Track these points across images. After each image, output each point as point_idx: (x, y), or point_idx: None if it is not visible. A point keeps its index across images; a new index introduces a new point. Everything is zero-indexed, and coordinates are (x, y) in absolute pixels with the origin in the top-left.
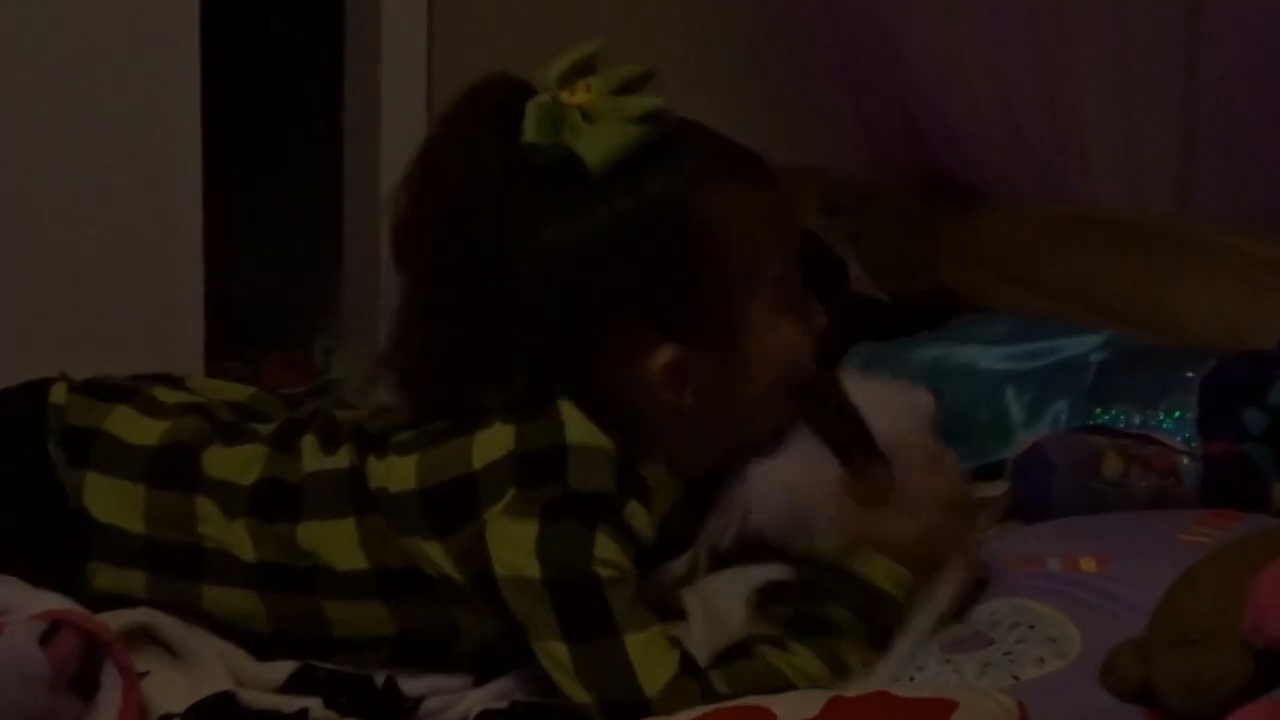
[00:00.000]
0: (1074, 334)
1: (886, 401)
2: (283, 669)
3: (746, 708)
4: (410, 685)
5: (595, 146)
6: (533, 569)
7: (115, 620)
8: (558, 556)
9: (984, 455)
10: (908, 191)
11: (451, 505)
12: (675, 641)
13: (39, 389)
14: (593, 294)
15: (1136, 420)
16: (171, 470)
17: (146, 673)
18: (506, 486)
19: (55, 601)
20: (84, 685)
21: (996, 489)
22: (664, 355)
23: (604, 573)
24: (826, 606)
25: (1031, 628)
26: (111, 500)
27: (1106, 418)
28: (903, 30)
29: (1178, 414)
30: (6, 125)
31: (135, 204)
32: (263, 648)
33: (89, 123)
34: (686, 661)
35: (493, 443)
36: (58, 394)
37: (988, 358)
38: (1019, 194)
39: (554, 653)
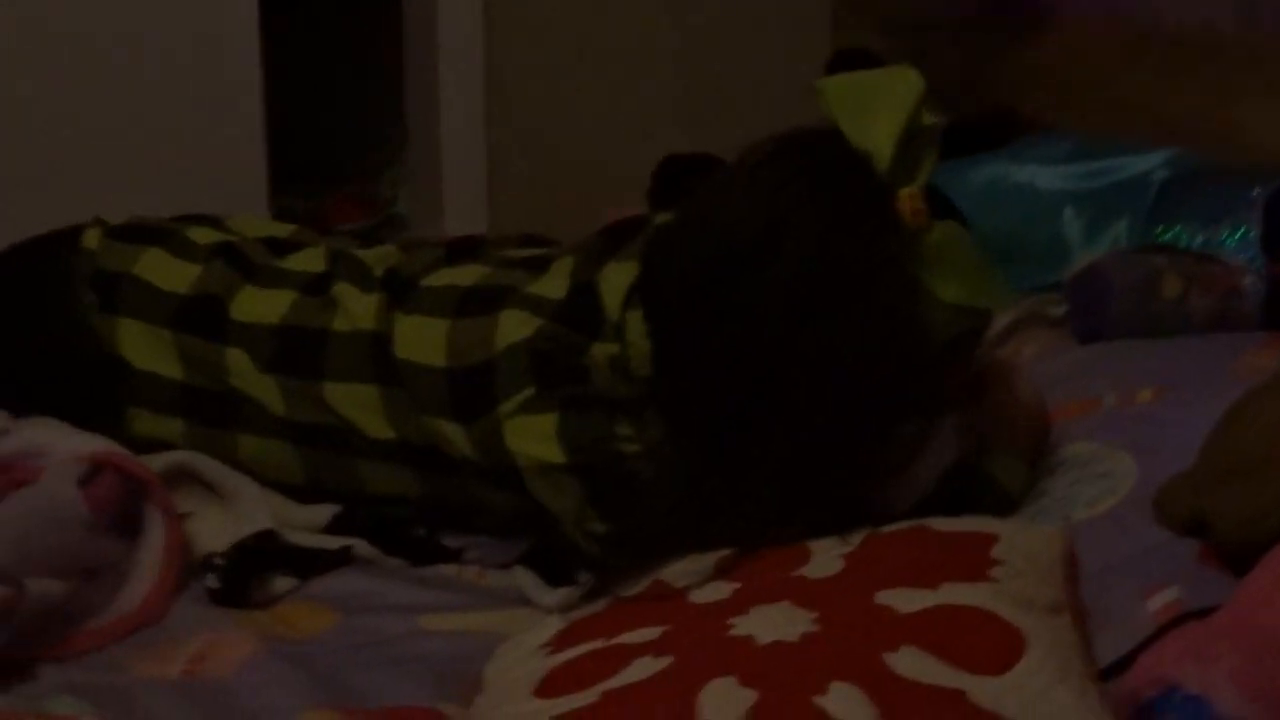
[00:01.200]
0: (1136, 153)
1: None
2: (325, 512)
3: (785, 549)
4: (450, 540)
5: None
6: (555, 454)
7: (156, 461)
8: (579, 440)
9: (1041, 276)
10: (968, 11)
11: (474, 390)
12: None
13: (73, 234)
14: None
15: (1199, 239)
16: (200, 319)
17: (189, 513)
18: (523, 379)
19: (96, 443)
20: (126, 526)
21: (1055, 308)
22: None
23: (628, 448)
24: None
25: (1084, 466)
26: (146, 346)
27: (1168, 237)
28: None
29: (1241, 232)
30: None
31: (192, 38)
32: (299, 497)
33: None
34: None
35: (517, 323)
36: (90, 238)
37: (1046, 177)
38: (1081, 12)
39: (595, 534)
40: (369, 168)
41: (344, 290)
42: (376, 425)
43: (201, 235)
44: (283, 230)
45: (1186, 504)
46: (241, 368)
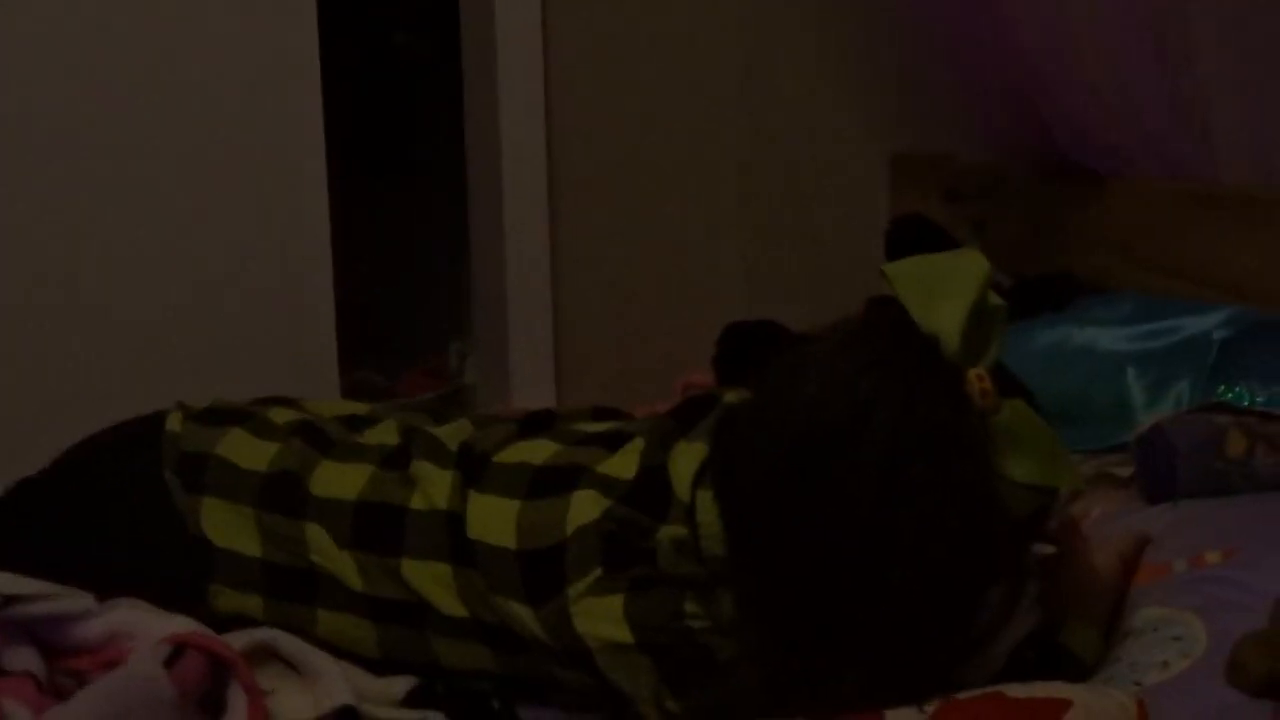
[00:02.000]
0: (1196, 312)
1: None
2: (402, 684)
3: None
4: (523, 713)
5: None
6: (624, 634)
7: (238, 640)
8: (647, 619)
9: (1105, 438)
10: (1030, 176)
11: (544, 572)
12: None
13: (156, 419)
14: None
15: (1260, 398)
16: (280, 495)
17: (271, 691)
18: (591, 561)
19: (180, 624)
20: (211, 705)
21: (1121, 469)
22: None
23: (697, 624)
24: None
25: (1156, 630)
26: (228, 524)
27: (1230, 396)
28: (1016, 11)
29: None
30: (136, 144)
31: (263, 220)
32: (375, 670)
33: (215, 140)
34: None
35: (586, 506)
36: (173, 422)
37: (1108, 338)
38: (1142, 174)
39: (671, 712)
40: (436, 339)
41: (420, 468)
42: (450, 603)
43: (280, 415)
44: (359, 408)
45: (1261, 664)
46: (321, 544)
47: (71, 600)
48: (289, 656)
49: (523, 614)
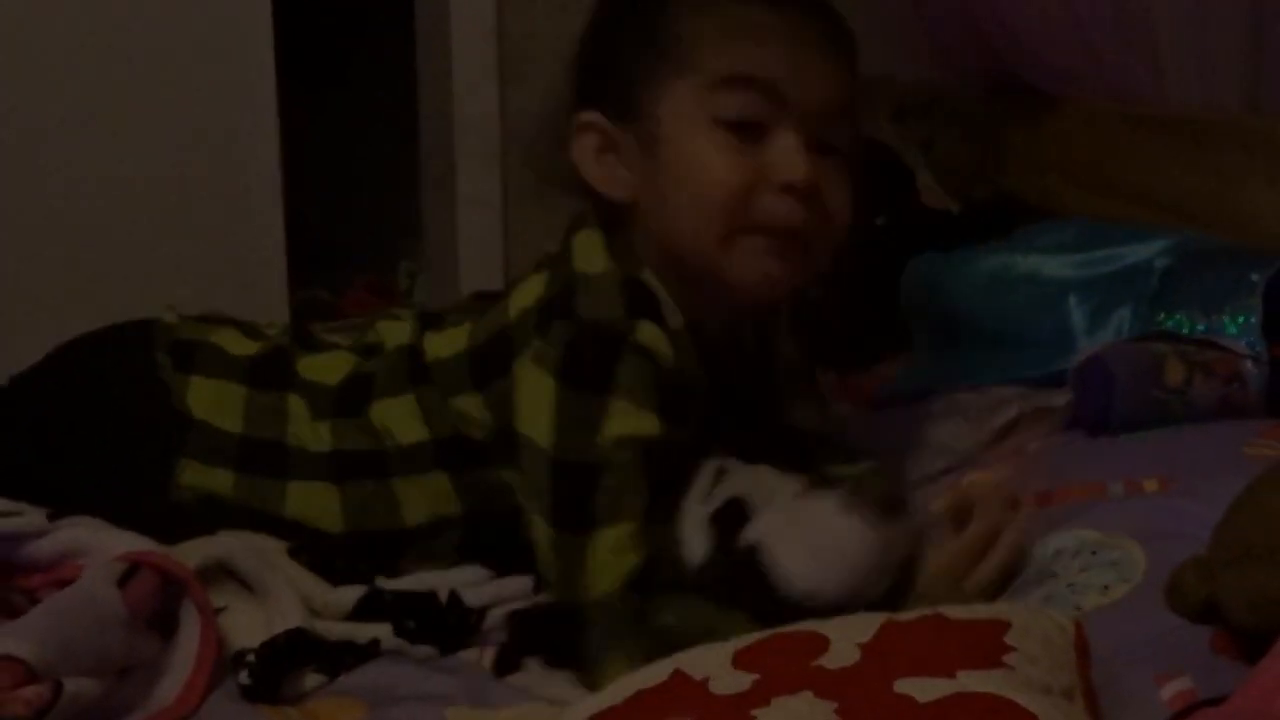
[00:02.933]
0: (1139, 239)
1: (818, 553)
2: (350, 594)
3: (802, 633)
4: (473, 596)
5: None
6: (545, 437)
7: (192, 557)
8: (569, 431)
9: (1046, 364)
10: (975, 97)
11: (492, 359)
12: (646, 544)
13: (149, 319)
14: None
15: (1200, 326)
16: (269, 372)
17: (223, 608)
18: (531, 333)
19: (134, 541)
20: (162, 622)
21: (1059, 399)
22: (584, 115)
23: (606, 457)
24: None
25: (1094, 553)
26: (213, 399)
27: (1170, 323)
28: None
29: (1242, 318)
30: (80, 54)
31: (212, 137)
32: (336, 557)
33: (163, 56)
34: (635, 575)
35: (527, 291)
36: (169, 316)
37: (1051, 265)
38: (1088, 95)
39: (538, 529)
40: (386, 259)
41: (383, 325)
42: (412, 430)
43: (269, 327)
44: (342, 338)
45: (1197, 590)
46: (299, 413)
47: (23, 518)
48: (243, 574)
49: (472, 406)
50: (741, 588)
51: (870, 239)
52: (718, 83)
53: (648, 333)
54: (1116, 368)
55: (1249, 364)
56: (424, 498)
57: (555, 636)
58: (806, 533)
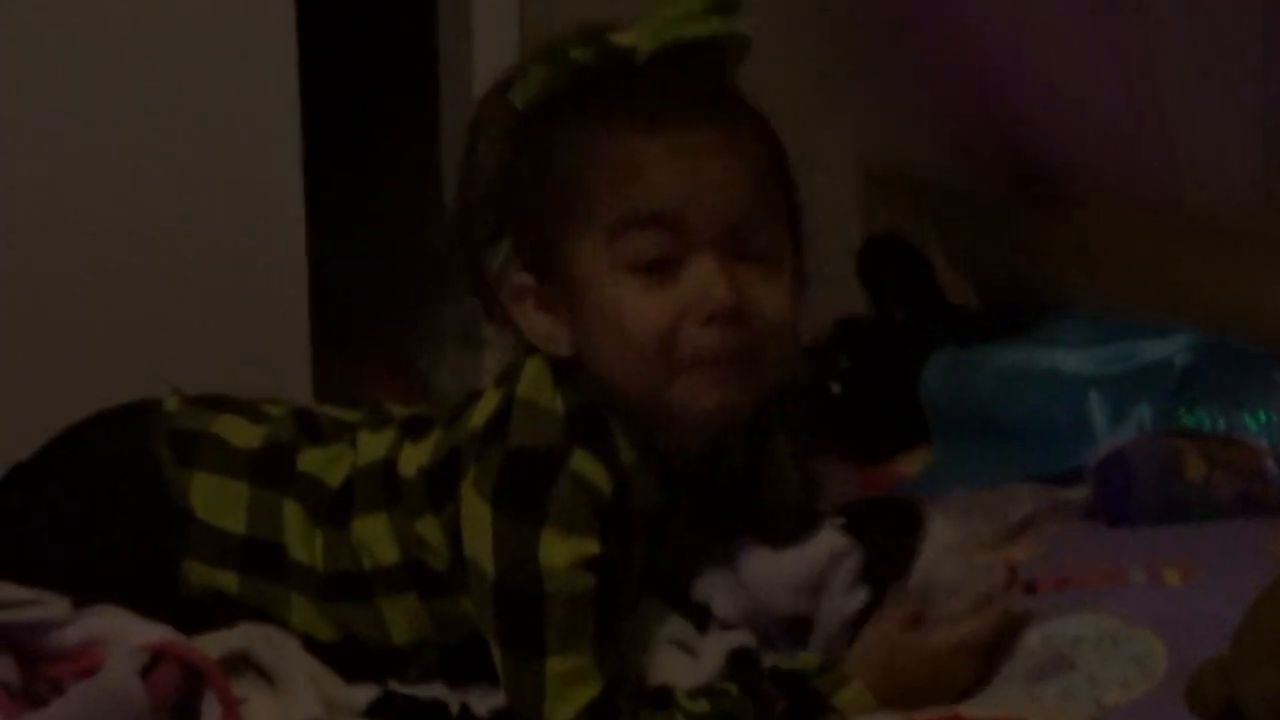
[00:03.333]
0: (1158, 336)
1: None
2: (364, 694)
3: None
4: (481, 705)
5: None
6: (488, 564)
7: (215, 648)
8: (509, 560)
9: (1065, 460)
10: (995, 191)
11: (445, 480)
12: (604, 673)
13: (151, 401)
14: (494, 214)
15: (1221, 423)
16: (271, 469)
17: (244, 700)
18: (471, 457)
19: (156, 631)
20: (184, 714)
21: (1075, 493)
22: (517, 279)
23: (549, 587)
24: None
25: (1115, 645)
26: (216, 498)
27: (1190, 420)
28: (978, 26)
29: (1263, 416)
30: (104, 124)
31: (235, 210)
32: (339, 660)
33: (186, 134)
34: (596, 706)
35: (480, 409)
36: (170, 403)
37: (1071, 361)
38: (1108, 194)
39: (493, 649)
40: (408, 334)
41: (362, 436)
42: (388, 550)
43: (274, 408)
44: (351, 416)
45: (1218, 690)
46: (295, 521)
47: (48, 607)
48: (262, 665)
49: (430, 530)
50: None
51: (890, 332)
52: (614, 230)
53: (582, 461)
54: (1136, 462)
55: (1270, 461)
56: (405, 618)
57: None
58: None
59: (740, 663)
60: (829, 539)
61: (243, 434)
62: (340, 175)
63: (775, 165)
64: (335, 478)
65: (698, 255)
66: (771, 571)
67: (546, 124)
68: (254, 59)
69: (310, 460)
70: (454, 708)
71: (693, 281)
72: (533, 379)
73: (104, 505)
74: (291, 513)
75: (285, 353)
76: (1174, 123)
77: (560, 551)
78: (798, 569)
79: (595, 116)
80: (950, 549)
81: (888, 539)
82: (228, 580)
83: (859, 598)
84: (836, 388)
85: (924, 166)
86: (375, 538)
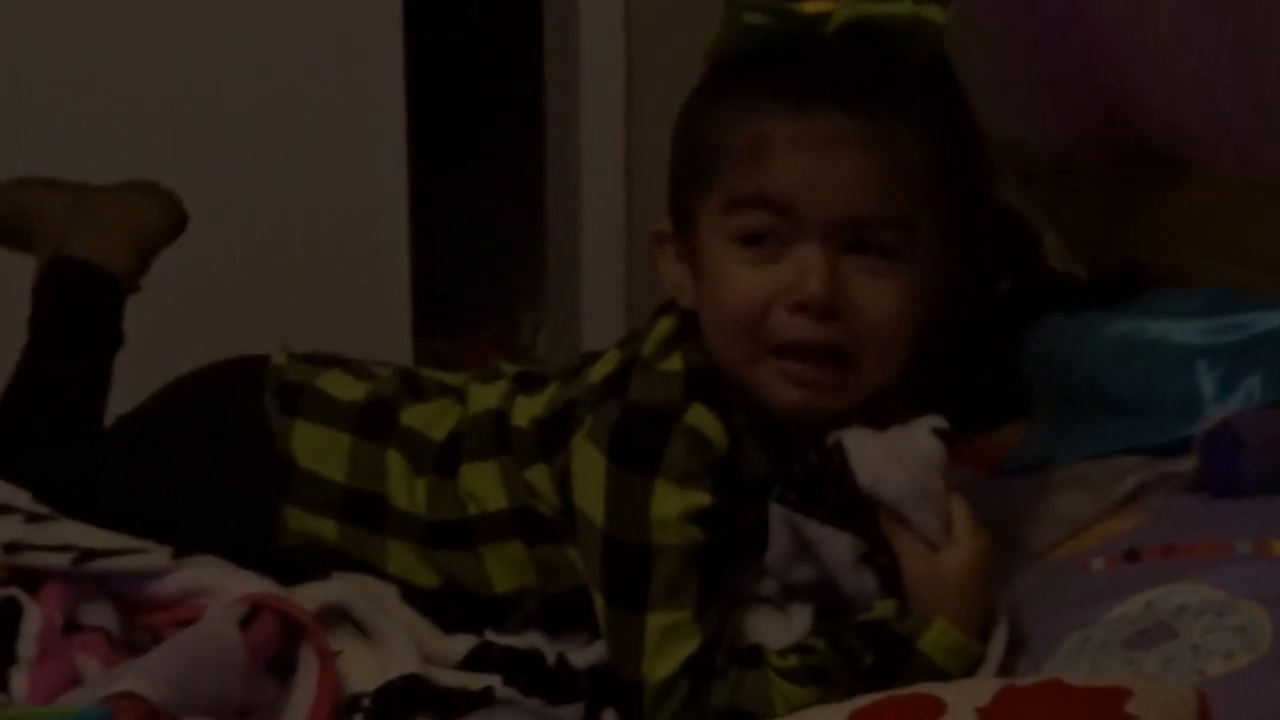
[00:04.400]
0: (1270, 308)
1: (896, 454)
2: (462, 644)
3: (917, 695)
4: (578, 657)
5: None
6: (599, 515)
7: (311, 599)
8: (620, 511)
9: (1172, 431)
10: (1105, 163)
11: (557, 431)
12: (704, 630)
13: (260, 357)
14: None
15: None
16: (374, 422)
17: (339, 652)
18: (588, 410)
19: (256, 583)
20: (281, 665)
21: (1184, 464)
22: (660, 226)
23: (658, 539)
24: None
25: (1219, 615)
26: (317, 447)
27: None
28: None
29: None
30: (217, 118)
31: (343, 192)
32: (439, 605)
33: (297, 115)
34: (694, 661)
35: (599, 367)
36: (279, 357)
37: (1180, 331)
38: (1219, 164)
39: (597, 604)
40: (508, 311)
41: (474, 388)
42: (495, 496)
43: (380, 368)
44: (455, 379)
45: None
46: (398, 470)
47: (149, 556)
48: (359, 619)
49: (540, 478)
50: (821, 482)
51: (994, 302)
52: (731, 202)
53: (699, 415)
54: (1245, 433)
55: None
56: (507, 566)
57: (626, 702)
58: (886, 438)
59: (826, 618)
60: (776, 512)
61: (347, 389)
62: (447, 153)
63: (933, 163)
64: (440, 431)
65: (805, 242)
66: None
67: (711, 85)
68: (365, 48)
69: (413, 415)
70: (550, 659)
71: (792, 267)
72: (657, 340)
73: (208, 452)
74: (395, 463)
75: (388, 329)
76: None
77: (672, 503)
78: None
79: (743, 87)
80: (886, 461)
81: (830, 490)
82: (327, 528)
83: (848, 545)
84: (940, 356)
85: (1034, 136)
86: (483, 485)
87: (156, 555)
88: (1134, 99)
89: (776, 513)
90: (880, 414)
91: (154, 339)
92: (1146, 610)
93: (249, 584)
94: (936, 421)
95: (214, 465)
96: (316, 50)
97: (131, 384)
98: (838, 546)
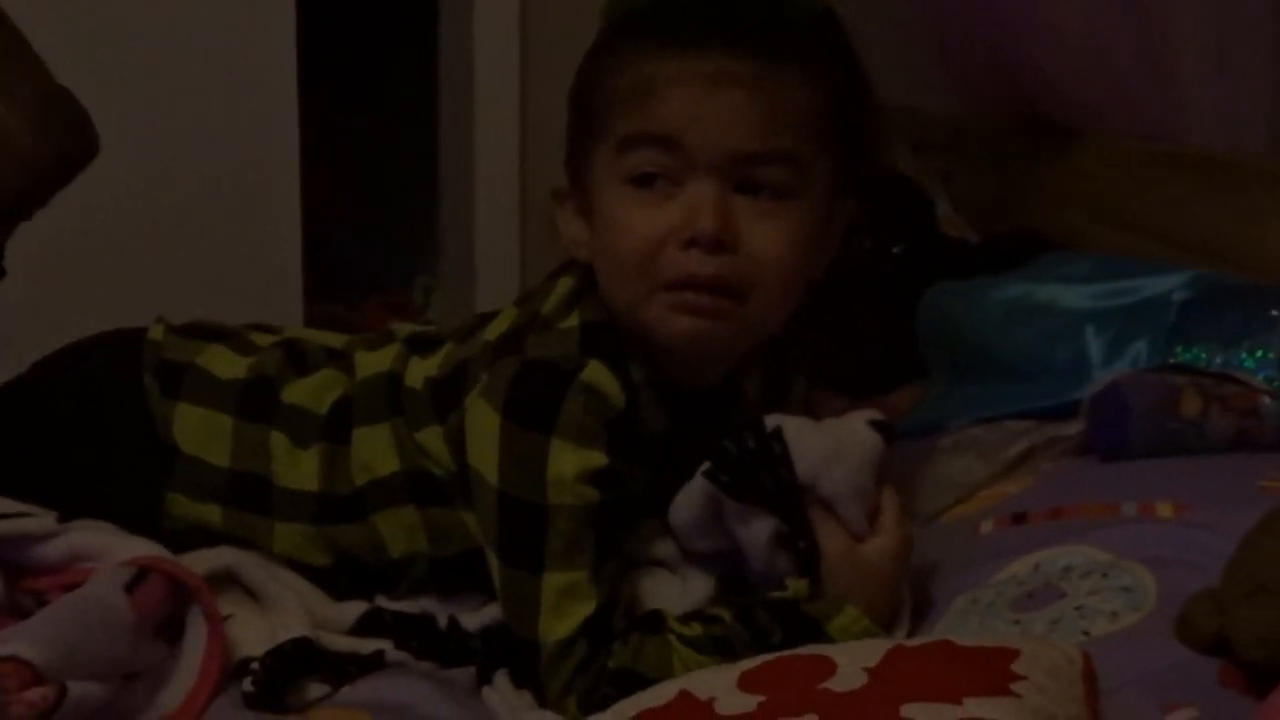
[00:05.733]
0: (1157, 273)
1: (836, 448)
2: (352, 610)
3: (808, 656)
4: (470, 620)
5: None
6: (493, 474)
7: (200, 564)
8: (515, 469)
9: (1061, 394)
10: (998, 129)
11: (451, 391)
12: (601, 591)
13: (137, 330)
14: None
15: (1218, 359)
16: (256, 401)
17: (229, 616)
18: (482, 367)
19: (143, 547)
20: (169, 629)
21: (1071, 428)
22: (559, 184)
23: (554, 499)
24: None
25: (1105, 576)
26: (200, 431)
27: (1188, 357)
28: None
29: (1260, 353)
30: (101, 69)
31: (232, 154)
32: (330, 580)
33: (185, 72)
34: (591, 622)
35: (495, 325)
36: (156, 332)
37: (1069, 296)
38: (1110, 131)
39: (492, 565)
40: (402, 274)
41: (360, 355)
42: (387, 460)
43: (261, 338)
44: (336, 340)
45: (1208, 622)
46: (281, 449)
47: (34, 520)
48: (249, 583)
49: (432, 439)
50: (756, 467)
51: (888, 267)
52: (621, 143)
53: (596, 372)
54: (1132, 397)
55: (1266, 399)
56: (400, 532)
57: (521, 662)
58: (825, 429)
59: (730, 589)
60: (699, 483)
61: (228, 366)
62: (337, 115)
63: (822, 107)
64: (323, 404)
65: (696, 180)
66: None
67: (604, 38)
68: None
69: (295, 391)
70: (442, 622)
71: (684, 205)
72: (558, 299)
73: (89, 435)
74: (278, 442)
75: (279, 293)
76: (1182, 63)
77: (568, 462)
78: (682, 508)
79: (633, 35)
80: (826, 459)
81: (765, 477)
82: (211, 513)
83: (768, 524)
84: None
85: (926, 102)
86: (375, 448)
87: (42, 519)
88: (1027, 65)
89: (701, 486)
90: (776, 373)
91: (37, 296)
92: (1034, 572)
93: (136, 548)
94: (873, 414)
95: (94, 448)
96: (207, 7)
97: (14, 340)
98: (758, 525)
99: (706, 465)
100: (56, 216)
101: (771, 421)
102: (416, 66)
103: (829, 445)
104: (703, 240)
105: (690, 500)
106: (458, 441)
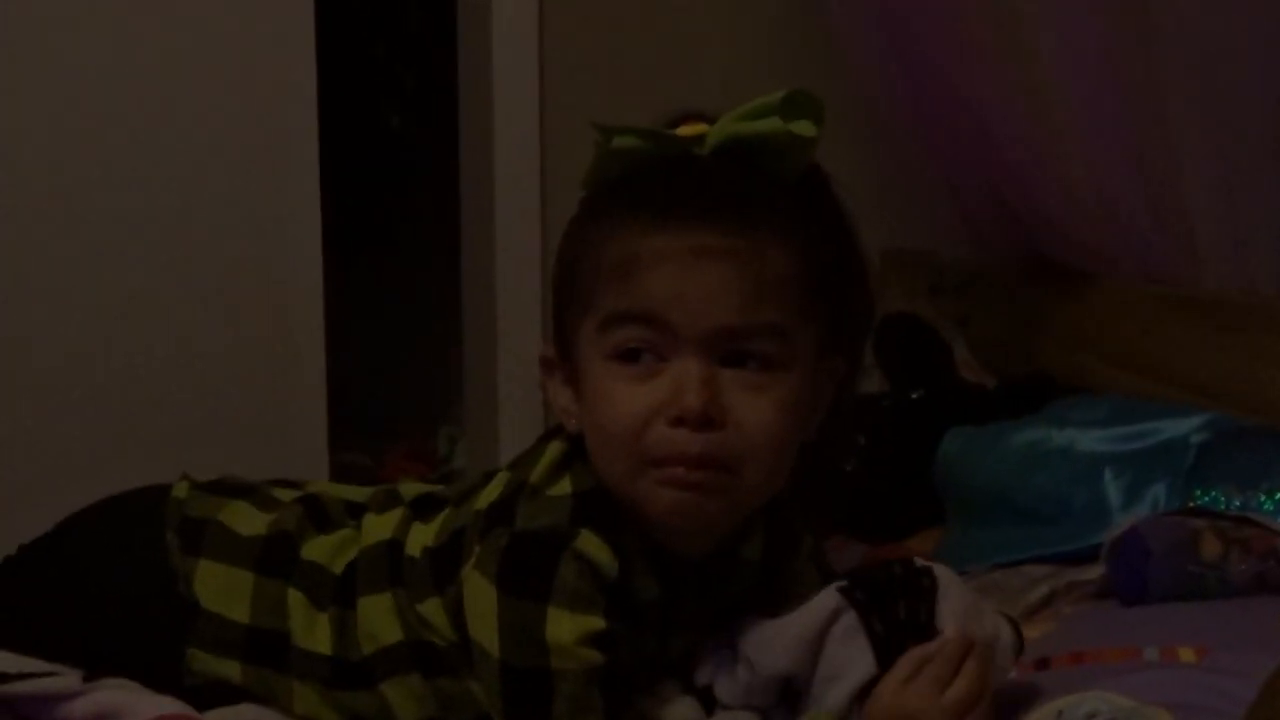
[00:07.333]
0: (1174, 416)
1: (976, 611)
2: None
3: None
4: None
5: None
6: (494, 645)
7: None
8: (515, 639)
9: (1081, 539)
10: (1012, 274)
11: (449, 560)
12: None
13: (162, 487)
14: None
15: (1236, 502)
16: (276, 557)
17: None
18: (475, 539)
19: (167, 705)
20: None
21: (1090, 572)
22: (546, 351)
23: (556, 663)
24: None
25: None
26: (221, 587)
27: (1206, 500)
28: (996, 114)
29: (1278, 495)
30: (131, 219)
31: (258, 300)
32: None
33: (211, 216)
34: None
35: (488, 492)
36: (180, 489)
37: (1086, 440)
38: (1122, 276)
39: None
40: (425, 423)
41: (368, 519)
42: (390, 630)
43: (284, 494)
44: (360, 494)
45: None
46: (299, 608)
47: (60, 680)
48: None
49: (435, 610)
50: (899, 594)
51: (906, 412)
52: (605, 320)
53: (588, 542)
54: (1152, 541)
55: None
56: (409, 699)
57: None
58: (971, 593)
59: None
60: (828, 598)
61: (249, 522)
62: (362, 265)
63: (804, 274)
64: (339, 564)
65: (681, 356)
66: (769, 634)
67: (586, 207)
68: (280, 152)
69: (314, 548)
70: None
71: (670, 381)
72: (546, 465)
73: (111, 593)
74: (295, 601)
75: (304, 442)
76: (1190, 207)
77: (566, 628)
78: (793, 627)
79: (614, 208)
80: (967, 612)
81: (902, 608)
82: (231, 669)
83: (863, 668)
84: (851, 466)
85: (942, 248)
86: (378, 617)
87: (66, 678)
88: (1037, 213)
89: (825, 602)
90: (780, 528)
91: (60, 452)
92: (1058, 718)
93: (161, 705)
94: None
95: (117, 604)
96: (232, 155)
97: (40, 498)
98: (851, 672)
99: (843, 582)
100: (84, 370)
101: (921, 561)
102: (440, 214)
103: (970, 600)
104: (690, 418)
105: (808, 617)
106: (457, 614)
